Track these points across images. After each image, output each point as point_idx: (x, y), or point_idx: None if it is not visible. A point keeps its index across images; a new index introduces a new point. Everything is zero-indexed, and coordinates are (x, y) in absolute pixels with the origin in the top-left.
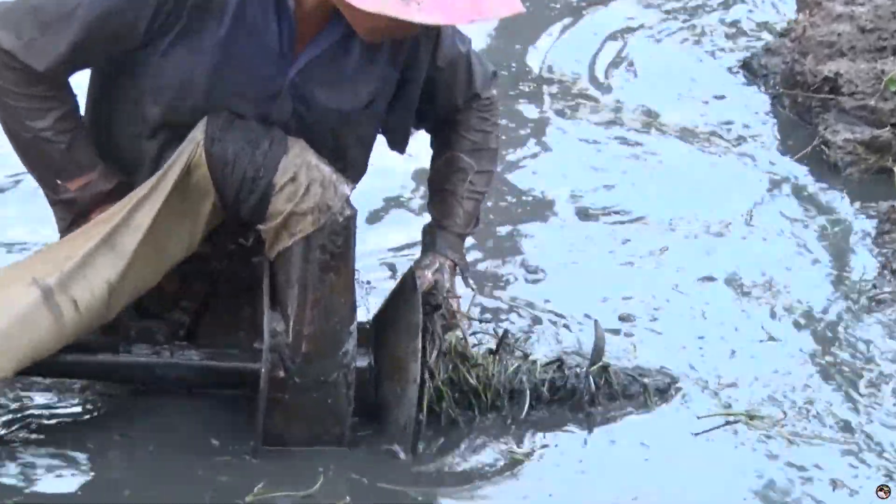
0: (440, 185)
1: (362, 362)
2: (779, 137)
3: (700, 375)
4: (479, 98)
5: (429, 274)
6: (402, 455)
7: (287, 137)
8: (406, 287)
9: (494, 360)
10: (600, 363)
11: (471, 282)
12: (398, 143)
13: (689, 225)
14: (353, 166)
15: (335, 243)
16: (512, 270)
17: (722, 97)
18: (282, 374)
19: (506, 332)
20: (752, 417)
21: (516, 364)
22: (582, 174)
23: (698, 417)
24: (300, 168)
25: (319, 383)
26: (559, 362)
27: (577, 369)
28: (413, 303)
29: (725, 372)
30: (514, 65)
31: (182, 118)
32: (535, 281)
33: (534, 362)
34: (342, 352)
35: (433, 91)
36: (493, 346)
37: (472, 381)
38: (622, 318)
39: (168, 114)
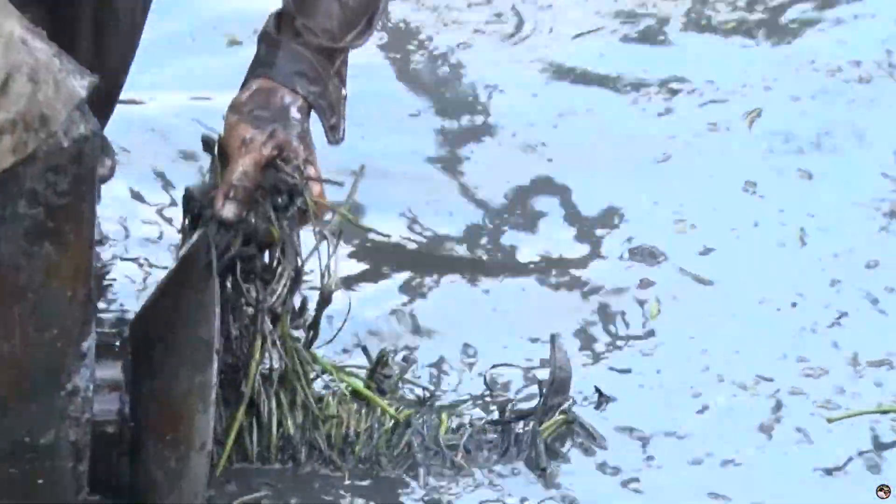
0: None
1: (107, 408)
2: None
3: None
4: None
5: (250, 133)
6: None
7: None
8: (193, 264)
9: (360, 412)
10: (560, 416)
11: (339, 137)
12: None
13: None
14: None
15: (56, 187)
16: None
17: None
18: None
19: (382, 353)
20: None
21: (405, 416)
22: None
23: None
24: None
25: (23, 448)
26: (500, 415)
27: (521, 426)
28: (205, 297)
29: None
30: None
31: None
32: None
33: (439, 411)
34: (66, 391)
35: None
36: (363, 381)
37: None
38: (634, 256)
39: None
